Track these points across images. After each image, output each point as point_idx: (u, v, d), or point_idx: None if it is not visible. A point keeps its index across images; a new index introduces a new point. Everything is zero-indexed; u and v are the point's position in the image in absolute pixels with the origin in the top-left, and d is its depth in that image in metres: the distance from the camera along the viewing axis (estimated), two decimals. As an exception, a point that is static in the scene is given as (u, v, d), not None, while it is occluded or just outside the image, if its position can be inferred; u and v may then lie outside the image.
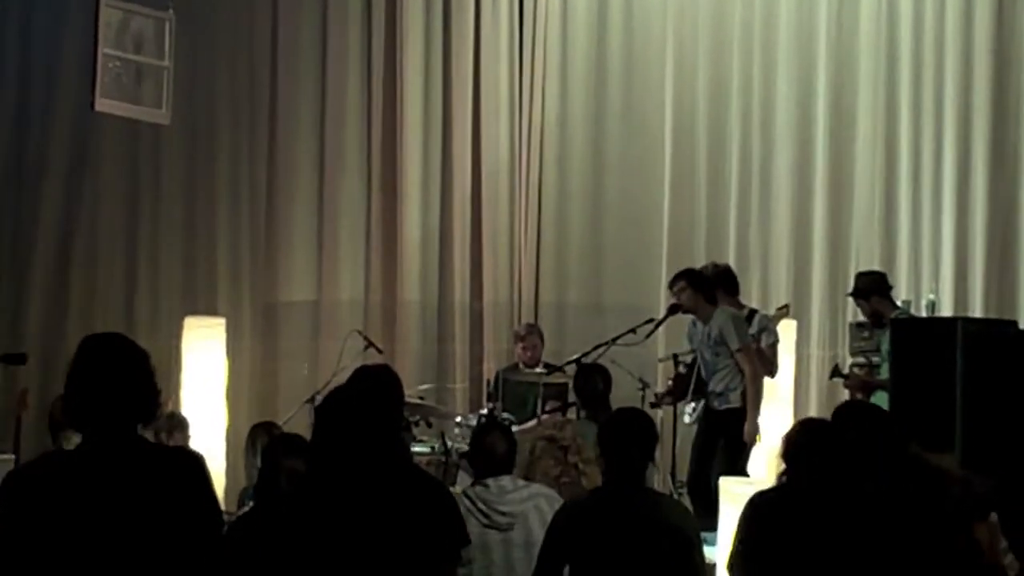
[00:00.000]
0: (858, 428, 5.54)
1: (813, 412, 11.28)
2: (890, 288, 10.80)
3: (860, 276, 10.98)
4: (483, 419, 10.66)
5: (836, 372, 11.20)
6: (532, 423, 10.92)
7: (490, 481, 6.58)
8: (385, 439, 4.85)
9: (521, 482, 6.66)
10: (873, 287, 10.76)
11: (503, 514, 6.40)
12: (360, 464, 4.77)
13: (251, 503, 6.30)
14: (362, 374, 5.79)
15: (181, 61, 11.62)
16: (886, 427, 5.61)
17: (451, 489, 7.49)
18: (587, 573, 5.73)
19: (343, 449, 4.79)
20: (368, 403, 4.92)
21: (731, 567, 5.79)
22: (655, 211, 13.21)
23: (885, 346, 10.31)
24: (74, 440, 5.82)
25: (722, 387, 10.14)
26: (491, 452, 6.70)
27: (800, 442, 5.70)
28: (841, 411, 5.92)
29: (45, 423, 8.00)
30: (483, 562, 6.42)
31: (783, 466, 5.96)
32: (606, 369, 10.07)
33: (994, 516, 6.06)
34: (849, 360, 11.30)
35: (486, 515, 6.46)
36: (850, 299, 11.18)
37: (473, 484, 6.71)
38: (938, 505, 5.66)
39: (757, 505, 5.73)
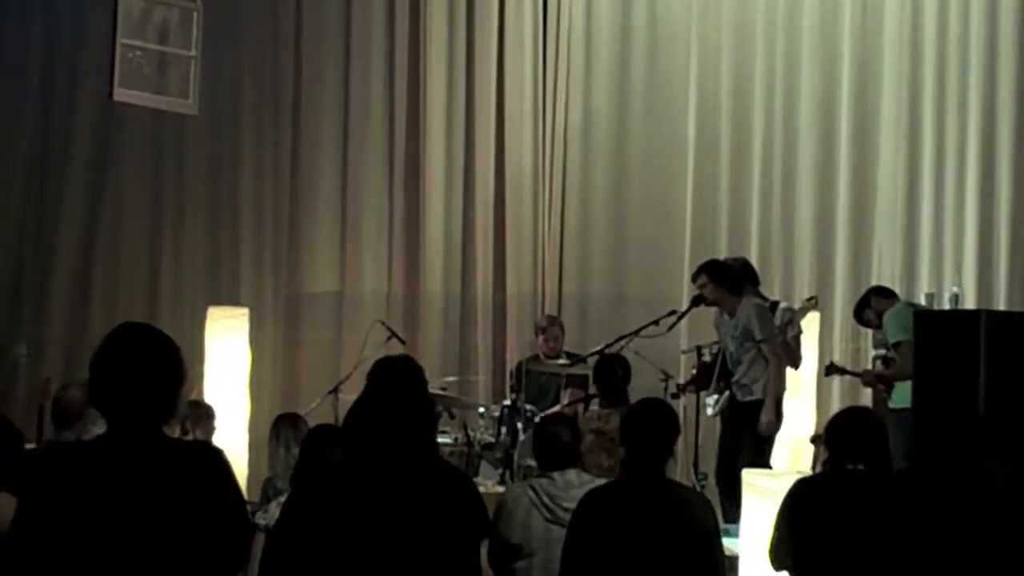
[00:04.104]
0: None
1: (836, 405, 11.25)
2: (888, 291, 10.84)
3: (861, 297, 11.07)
4: (506, 410, 10.69)
5: (832, 369, 11.19)
6: (555, 410, 10.96)
7: (556, 475, 6.41)
8: (411, 432, 4.86)
9: (587, 476, 6.47)
10: (869, 296, 10.80)
11: (567, 510, 6.25)
12: (386, 457, 4.79)
13: (278, 492, 6.31)
14: (383, 366, 5.80)
15: (205, 52, 11.65)
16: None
17: (475, 479, 7.51)
18: (607, 563, 5.73)
19: (371, 443, 4.82)
20: (394, 398, 4.95)
21: (773, 554, 5.78)
22: (678, 203, 13.21)
23: (887, 336, 10.36)
24: (95, 430, 5.84)
25: (747, 379, 10.12)
26: (555, 442, 6.54)
27: (841, 430, 5.70)
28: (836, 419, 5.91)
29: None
30: (544, 556, 6.28)
31: (826, 454, 5.97)
32: (626, 359, 10.07)
33: None
34: (872, 353, 11.29)
35: (550, 510, 6.33)
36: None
37: (538, 475, 6.56)
38: (974, 493, 5.65)
39: (798, 493, 5.73)
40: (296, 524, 4.81)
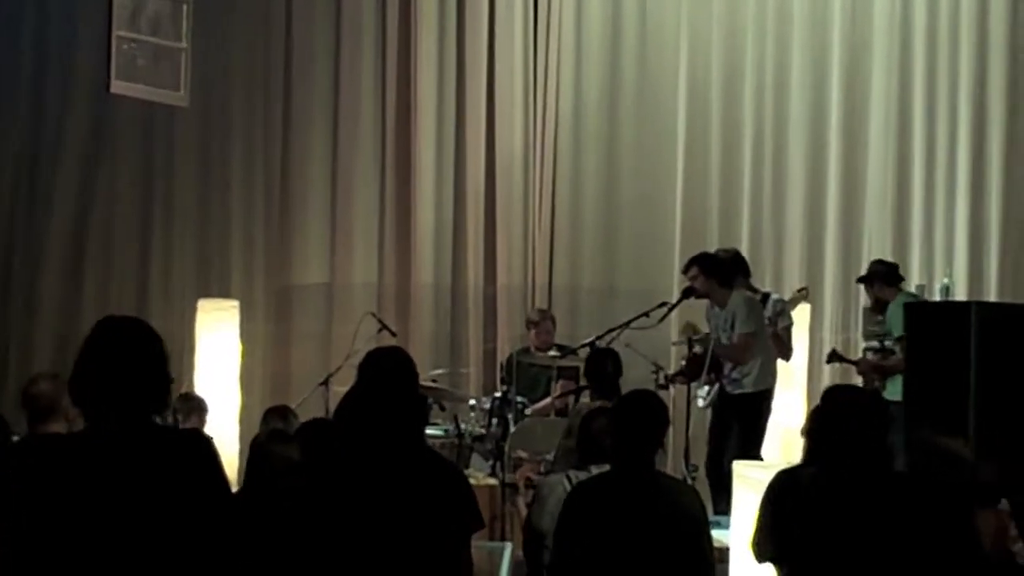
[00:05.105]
0: (845, 411, 5.52)
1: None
2: (899, 279, 10.81)
3: (873, 264, 11.04)
4: (496, 402, 10.69)
5: (835, 356, 11.21)
6: (545, 402, 10.98)
7: (594, 468, 6.35)
8: (401, 425, 4.87)
9: None
10: (878, 274, 10.80)
11: None
12: (376, 450, 4.79)
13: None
14: (374, 358, 5.78)
15: (196, 44, 11.64)
16: (869, 409, 5.57)
17: (466, 471, 7.50)
18: (596, 555, 5.73)
19: (361, 436, 4.82)
20: (384, 389, 4.95)
21: (754, 546, 5.79)
22: (668, 195, 13.21)
23: (891, 329, 10.36)
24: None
25: (737, 373, 10.14)
26: (598, 438, 6.48)
27: (817, 419, 5.70)
28: (831, 394, 5.88)
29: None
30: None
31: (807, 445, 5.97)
32: (616, 353, 10.07)
33: (1005, 503, 6.04)
34: (862, 344, 11.30)
35: None
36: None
37: (576, 468, 6.53)
38: (947, 488, 5.65)
39: (779, 483, 5.73)
40: (286, 516, 4.81)
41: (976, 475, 5.96)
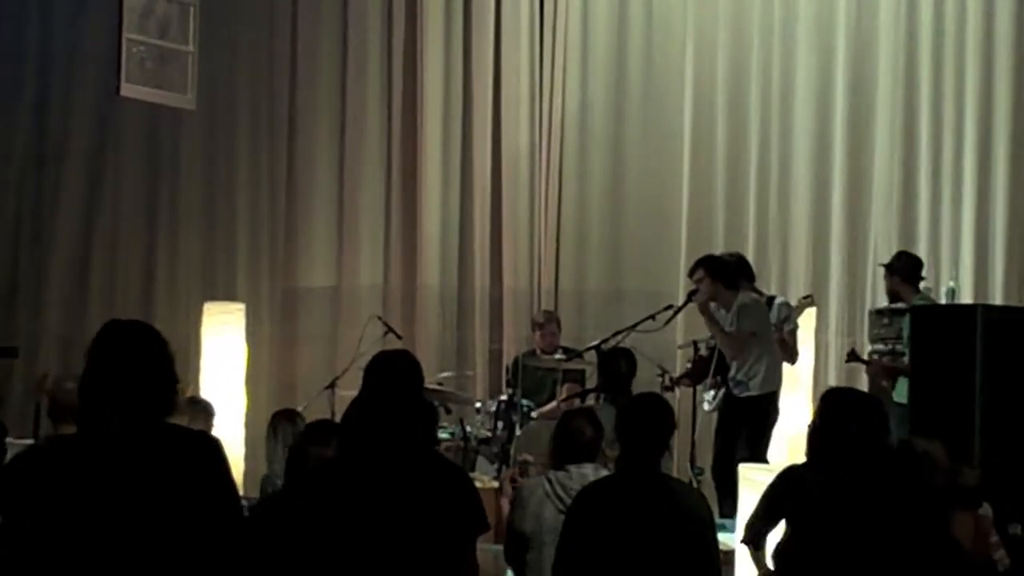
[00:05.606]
0: (845, 415, 5.54)
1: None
2: (920, 278, 10.77)
3: (898, 254, 10.99)
4: (502, 405, 10.70)
5: (853, 356, 11.19)
6: (551, 405, 10.97)
7: (572, 468, 6.39)
8: (409, 428, 4.87)
9: (604, 471, 6.41)
10: (899, 267, 10.76)
11: None
12: (383, 452, 4.79)
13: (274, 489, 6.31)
14: (381, 361, 5.79)
15: (203, 46, 11.65)
16: (869, 413, 5.59)
17: (472, 474, 7.50)
18: (602, 557, 5.74)
19: (369, 439, 4.82)
20: (390, 393, 4.95)
21: (747, 528, 5.83)
22: (674, 198, 13.20)
23: (907, 332, 10.33)
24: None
25: (742, 375, 10.12)
26: (576, 437, 6.51)
27: (816, 421, 5.72)
28: (827, 398, 5.89)
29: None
30: (555, 547, 6.32)
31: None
32: (631, 353, 10.07)
33: (987, 508, 6.06)
34: (869, 347, 11.28)
35: (562, 501, 6.32)
36: (868, 286, 11.17)
37: (556, 468, 6.52)
38: (921, 491, 5.66)
39: (783, 479, 5.77)
40: (292, 520, 4.81)
41: (955, 479, 5.98)
